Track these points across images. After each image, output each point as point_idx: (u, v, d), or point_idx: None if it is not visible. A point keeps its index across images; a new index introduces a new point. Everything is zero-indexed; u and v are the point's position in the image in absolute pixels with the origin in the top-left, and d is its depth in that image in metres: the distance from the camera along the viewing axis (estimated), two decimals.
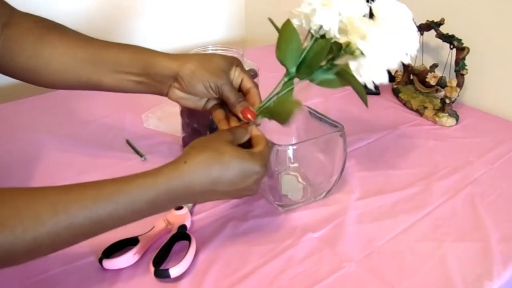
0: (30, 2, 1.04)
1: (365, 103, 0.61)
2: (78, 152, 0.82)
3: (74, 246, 0.60)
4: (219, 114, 0.64)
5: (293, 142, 0.75)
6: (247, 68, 0.79)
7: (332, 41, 0.58)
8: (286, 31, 0.60)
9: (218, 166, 0.52)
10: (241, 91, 0.64)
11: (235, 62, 0.64)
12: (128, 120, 0.94)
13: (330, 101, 1.05)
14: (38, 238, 0.44)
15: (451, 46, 0.95)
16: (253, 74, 0.80)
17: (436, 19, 0.97)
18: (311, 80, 0.61)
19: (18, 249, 0.43)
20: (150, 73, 0.63)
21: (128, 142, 0.85)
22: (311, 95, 1.06)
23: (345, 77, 0.59)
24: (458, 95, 0.95)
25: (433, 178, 0.77)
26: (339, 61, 0.60)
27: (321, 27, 0.57)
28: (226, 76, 0.62)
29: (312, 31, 0.59)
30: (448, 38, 0.95)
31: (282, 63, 0.62)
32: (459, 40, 0.94)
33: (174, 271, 0.56)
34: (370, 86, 0.58)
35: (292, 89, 0.62)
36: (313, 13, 0.57)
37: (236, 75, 0.63)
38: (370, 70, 0.57)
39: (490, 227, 0.66)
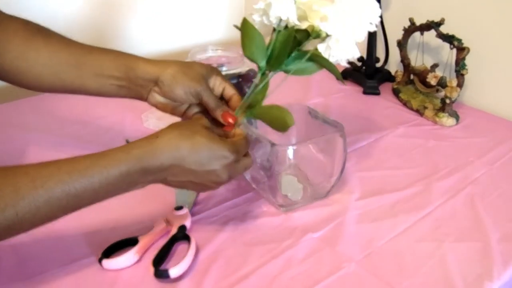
0: (24, 2, 1.04)
1: (340, 79, 0.63)
2: (78, 153, 0.81)
3: (74, 246, 0.61)
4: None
5: (293, 142, 0.75)
6: (246, 69, 0.79)
7: (295, 29, 0.59)
8: (245, 29, 0.61)
9: (188, 143, 0.54)
10: (224, 100, 0.66)
11: (215, 71, 0.65)
12: (128, 120, 0.94)
13: (330, 101, 1.04)
14: (20, 213, 0.46)
15: (451, 46, 0.95)
16: (252, 75, 0.80)
17: (436, 19, 0.97)
18: (286, 71, 0.62)
19: (2, 225, 0.46)
20: (131, 77, 0.64)
21: (128, 142, 0.85)
22: (311, 95, 1.06)
23: (318, 61, 0.60)
24: (458, 95, 0.95)
25: (433, 178, 0.77)
26: (309, 46, 0.60)
27: (281, 19, 0.58)
28: (205, 83, 0.63)
29: (274, 26, 0.60)
30: (448, 38, 0.95)
31: (251, 60, 0.63)
32: (459, 40, 0.94)
33: (174, 271, 0.55)
34: (343, 63, 0.60)
35: (267, 82, 0.62)
36: (269, 6, 0.58)
37: (217, 84, 0.65)
38: (339, 48, 0.58)
39: (490, 227, 0.66)
